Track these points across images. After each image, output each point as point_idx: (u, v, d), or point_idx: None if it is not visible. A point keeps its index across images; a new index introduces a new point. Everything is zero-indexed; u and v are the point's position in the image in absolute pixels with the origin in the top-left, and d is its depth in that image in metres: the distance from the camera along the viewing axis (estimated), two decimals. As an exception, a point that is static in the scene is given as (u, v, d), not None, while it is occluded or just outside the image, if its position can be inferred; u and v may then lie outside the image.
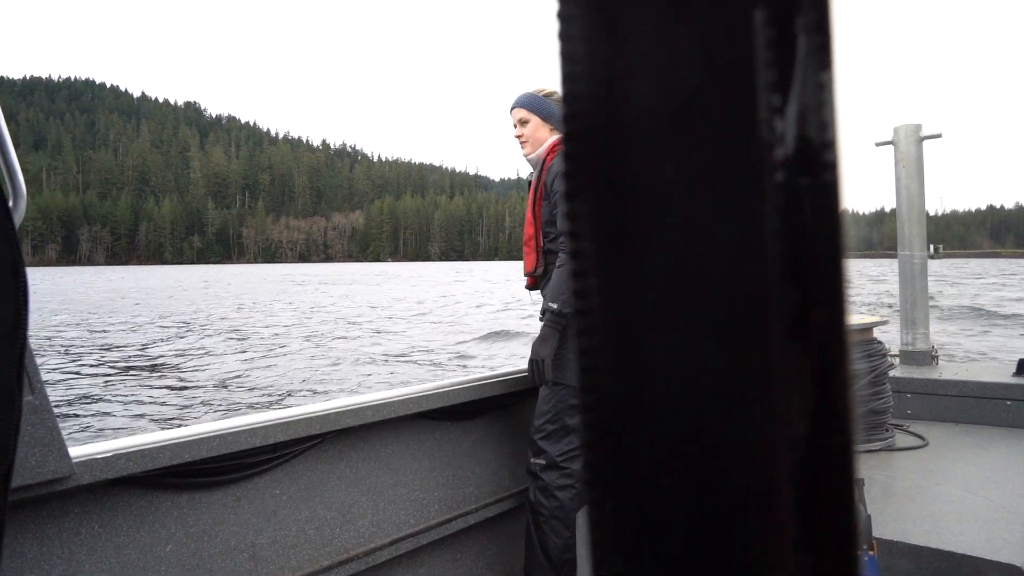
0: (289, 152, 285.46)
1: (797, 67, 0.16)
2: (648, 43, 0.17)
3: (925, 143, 2.38)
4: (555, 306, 2.24)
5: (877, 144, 2.31)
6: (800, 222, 0.17)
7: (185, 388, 10.23)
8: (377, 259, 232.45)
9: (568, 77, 0.18)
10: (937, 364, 2.24)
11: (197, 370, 11.92)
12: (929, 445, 1.70)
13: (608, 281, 0.18)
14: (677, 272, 0.18)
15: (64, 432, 1.21)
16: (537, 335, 2.30)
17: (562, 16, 0.18)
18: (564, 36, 0.18)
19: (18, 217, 0.46)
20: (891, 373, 2.35)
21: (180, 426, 1.59)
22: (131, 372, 11.82)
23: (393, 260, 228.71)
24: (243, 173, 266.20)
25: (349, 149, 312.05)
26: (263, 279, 66.42)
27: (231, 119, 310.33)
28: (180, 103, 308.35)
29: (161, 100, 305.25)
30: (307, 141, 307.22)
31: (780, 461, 0.17)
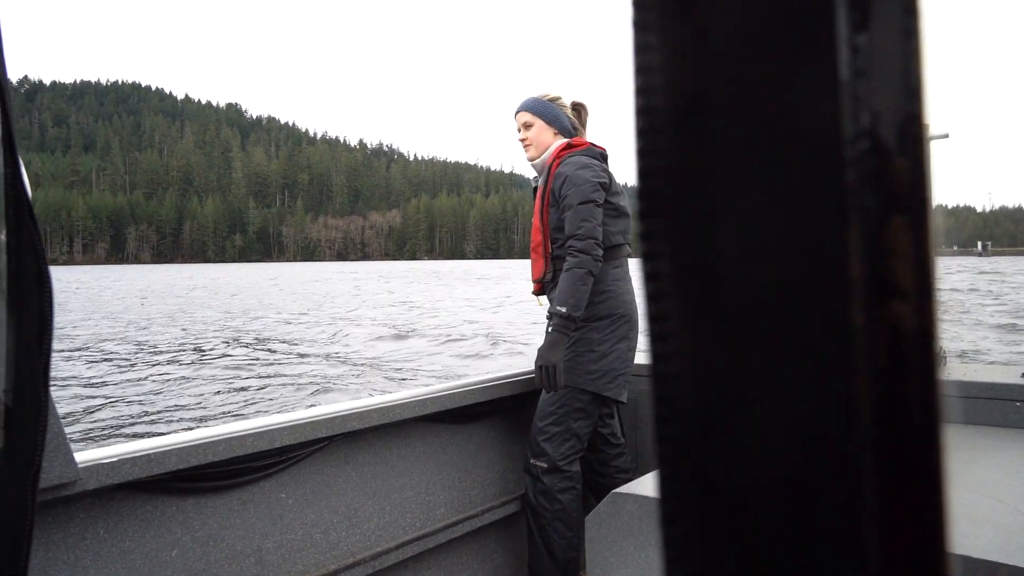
0: (327, 152, 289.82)
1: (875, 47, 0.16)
2: (726, 40, 0.17)
3: (933, 144, 2.20)
4: (563, 310, 2.19)
5: None
6: (881, 245, 0.16)
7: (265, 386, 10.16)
8: (413, 257, 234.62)
9: (643, 89, 0.18)
10: (945, 365, 2.27)
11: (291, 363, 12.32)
12: None
13: (689, 304, 0.18)
14: (759, 293, 0.17)
15: (69, 436, 1.22)
16: (544, 340, 2.27)
17: (639, 24, 0.18)
18: (640, 43, 0.18)
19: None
20: None
21: (190, 429, 1.60)
22: (153, 370, 11.69)
23: (429, 258, 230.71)
24: (283, 173, 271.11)
25: (386, 148, 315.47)
26: (335, 277, 61.83)
27: (271, 120, 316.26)
28: (222, 105, 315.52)
29: (204, 102, 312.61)
30: (344, 141, 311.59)
31: (864, 467, 0.17)
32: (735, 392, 0.18)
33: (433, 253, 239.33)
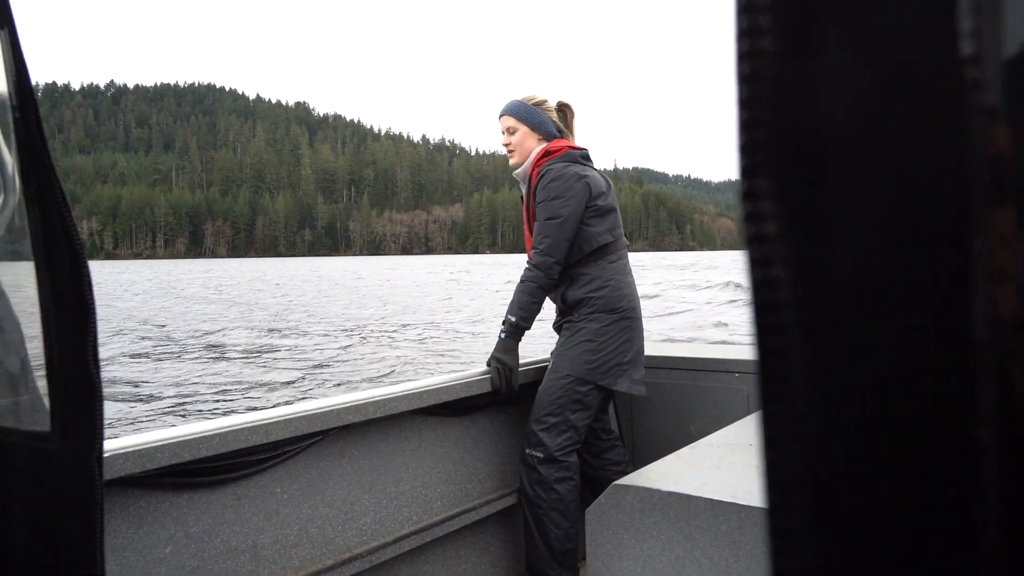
0: (391, 148, 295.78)
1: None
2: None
3: None
4: (513, 319, 2.26)
5: None
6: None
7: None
8: (476, 251, 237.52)
9: (751, 53, 0.17)
10: None
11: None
12: None
13: (803, 273, 0.17)
14: (876, 259, 0.16)
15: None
16: (497, 346, 2.29)
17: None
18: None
19: (7, 213, 0.46)
20: None
21: (187, 423, 1.58)
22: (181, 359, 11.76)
23: (491, 252, 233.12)
24: (349, 169, 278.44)
25: (448, 143, 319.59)
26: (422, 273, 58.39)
27: (337, 117, 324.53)
28: (291, 103, 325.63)
29: (274, 101, 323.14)
30: (408, 136, 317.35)
31: (985, 465, 0.16)
32: (854, 390, 0.17)
33: (495, 247, 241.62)
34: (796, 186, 0.17)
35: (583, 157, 2.37)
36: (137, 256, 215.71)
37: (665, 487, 1.30)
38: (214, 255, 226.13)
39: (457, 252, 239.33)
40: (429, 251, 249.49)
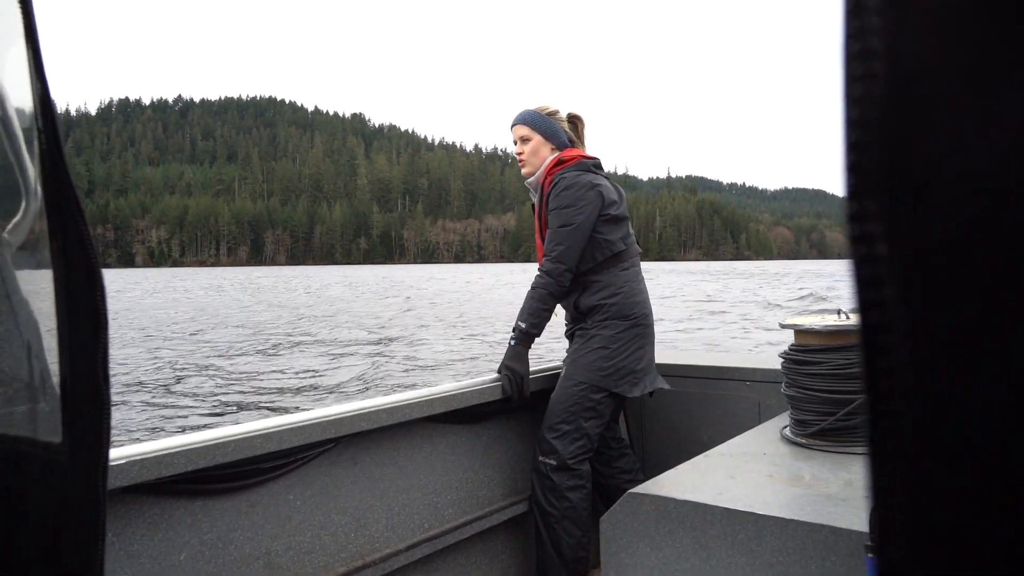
0: (445, 157, 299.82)
1: None
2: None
3: None
4: (523, 326, 2.25)
5: None
6: None
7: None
8: (528, 260, 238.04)
9: (859, 54, 0.17)
10: None
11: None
12: None
13: (914, 293, 0.16)
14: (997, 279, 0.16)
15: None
16: (507, 352, 2.28)
17: None
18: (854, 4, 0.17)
19: (27, 221, 0.46)
20: None
21: (205, 429, 1.58)
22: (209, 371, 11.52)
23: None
24: (403, 178, 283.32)
25: (500, 153, 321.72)
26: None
27: (392, 127, 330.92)
28: (347, 115, 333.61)
29: (331, 112, 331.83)
30: (460, 146, 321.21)
31: None
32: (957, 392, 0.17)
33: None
34: (903, 209, 0.17)
35: (595, 166, 2.37)
36: (202, 264, 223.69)
37: (680, 496, 1.29)
38: (274, 263, 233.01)
39: (509, 260, 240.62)
40: (481, 259, 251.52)
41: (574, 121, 2.49)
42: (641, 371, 2.28)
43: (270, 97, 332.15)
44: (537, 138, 2.37)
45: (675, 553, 1.28)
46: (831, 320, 1.68)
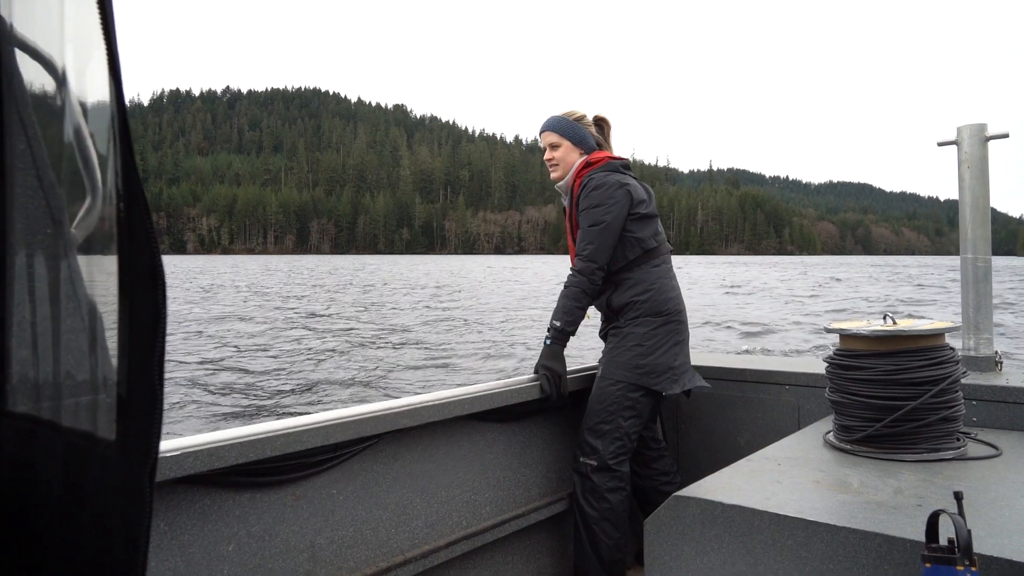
0: (486, 149, 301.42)
1: None
2: None
3: (991, 143, 2.26)
4: (558, 324, 2.27)
5: (940, 144, 2.30)
6: None
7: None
8: (567, 252, 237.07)
9: None
10: (1001, 370, 2.21)
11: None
12: (1003, 454, 1.67)
13: None
14: None
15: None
16: (543, 352, 2.30)
17: None
18: None
19: (93, 217, 0.46)
20: None
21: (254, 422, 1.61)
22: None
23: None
24: (445, 170, 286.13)
25: (541, 145, 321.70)
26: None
27: (433, 119, 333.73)
28: (390, 106, 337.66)
29: (374, 104, 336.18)
30: (501, 137, 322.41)
31: None
32: None
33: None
34: None
35: (623, 167, 2.40)
36: (250, 251, 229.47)
37: (727, 500, 1.28)
38: (319, 252, 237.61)
39: (550, 252, 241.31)
40: (522, 251, 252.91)
41: (600, 123, 2.54)
42: (679, 367, 2.30)
43: (315, 88, 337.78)
44: (566, 144, 2.42)
45: (721, 557, 1.27)
46: (877, 325, 1.65)
